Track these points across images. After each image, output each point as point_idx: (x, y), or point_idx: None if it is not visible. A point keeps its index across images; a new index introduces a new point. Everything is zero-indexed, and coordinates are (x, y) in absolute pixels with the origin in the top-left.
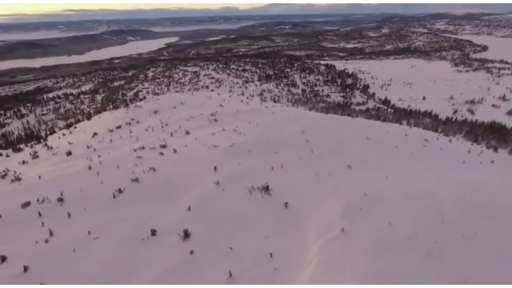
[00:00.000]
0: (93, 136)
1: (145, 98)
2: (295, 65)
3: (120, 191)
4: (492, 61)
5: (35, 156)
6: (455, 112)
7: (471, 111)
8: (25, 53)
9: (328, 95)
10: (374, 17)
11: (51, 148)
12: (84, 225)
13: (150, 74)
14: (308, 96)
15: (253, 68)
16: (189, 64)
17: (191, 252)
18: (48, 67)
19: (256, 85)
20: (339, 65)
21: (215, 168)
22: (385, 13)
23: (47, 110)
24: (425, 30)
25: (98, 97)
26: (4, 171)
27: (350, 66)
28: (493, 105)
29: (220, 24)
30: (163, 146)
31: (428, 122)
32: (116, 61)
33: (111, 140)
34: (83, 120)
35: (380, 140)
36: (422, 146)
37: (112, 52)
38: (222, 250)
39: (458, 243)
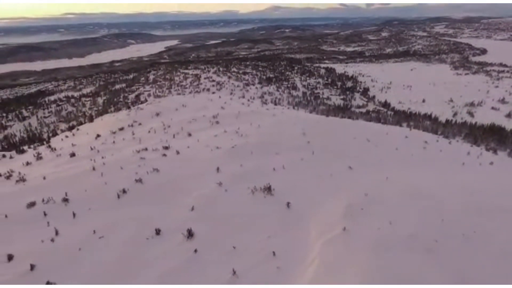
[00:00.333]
0: (96, 138)
1: (146, 100)
2: (295, 68)
3: (124, 191)
4: (491, 64)
5: (39, 157)
6: (455, 114)
7: (470, 114)
8: (26, 56)
9: (328, 98)
10: (373, 20)
11: (55, 149)
12: (89, 224)
13: (151, 77)
14: (309, 98)
15: (254, 71)
16: (189, 67)
17: (195, 251)
18: (49, 70)
19: (256, 88)
20: (339, 68)
21: (218, 169)
22: (384, 16)
23: (48, 112)
24: (425, 34)
25: (100, 100)
26: (8, 172)
27: (350, 69)
28: (492, 108)
29: (220, 28)
30: (166, 148)
31: (428, 125)
32: (117, 64)
33: (114, 142)
34: (85, 122)
35: (380, 142)
36: (422, 148)
37: (112, 55)
38: (225, 249)
39: (458, 242)
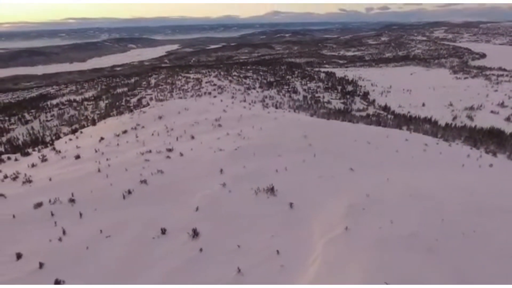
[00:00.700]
0: (100, 141)
1: (148, 104)
2: (296, 72)
3: (129, 192)
4: (490, 69)
5: (44, 159)
6: (455, 118)
7: (470, 117)
8: (27, 60)
9: (329, 102)
10: (372, 25)
11: (59, 152)
12: (95, 224)
13: (152, 81)
14: (309, 102)
15: (254, 75)
16: (191, 71)
17: (201, 249)
18: (50, 74)
19: (257, 91)
20: (339, 72)
21: (221, 170)
22: (383, 21)
23: (51, 116)
24: (424, 38)
25: (102, 104)
26: (14, 173)
27: (350, 73)
28: (492, 112)
29: (221, 32)
30: (170, 150)
31: (427, 128)
32: (118, 68)
33: (118, 144)
34: (88, 126)
35: (381, 144)
36: (422, 150)
37: (113, 60)
38: (230, 248)
39: (458, 241)
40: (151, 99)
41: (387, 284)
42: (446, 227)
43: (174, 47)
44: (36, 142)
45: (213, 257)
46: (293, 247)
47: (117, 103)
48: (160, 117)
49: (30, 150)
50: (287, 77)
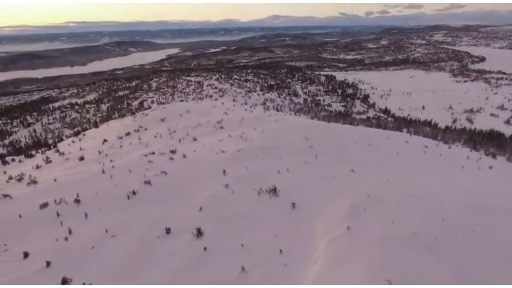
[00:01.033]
0: (103, 143)
1: (150, 107)
2: (296, 75)
3: (133, 192)
4: (490, 72)
5: (48, 161)
6: (454, 121)
7: (470, 120)
8: (28, 64)
9: (329, 105)
10: (372, 29)
11: (63, 153)
12: (101, 224)
13: (153, 84)
14: (310, 105)
15: (255, 79)
16: (192, 75)
17: (205, 248)
18: (51, 77)
19: (258, 94)
20: (339, 75)
21: (224, 171)
22: (383, 25)
23: (53, 119)
24: (424, 42)
25: (103, 106)
26: (19, 175)
27: (350, 76)
28: (491, 114)
29: (221, 36)
30: (173, 152)
31: (427, 131)
32: (119, 72)
33: (121, 146)
34: (90, 128)
35: (381, 146)
36: (422, 152)
37: (114, 63)
38: (234, 247)
39: (457, 240)
40: (152, 102)
41: (389, 281)
42: (446, 227)
43: (175, 50)
44: (39, 144)
45: (217, 256)
46: (296, 247)
47: (119, 106)
48: (162, 120)
49: (33, 152)
50: (288, 80)
